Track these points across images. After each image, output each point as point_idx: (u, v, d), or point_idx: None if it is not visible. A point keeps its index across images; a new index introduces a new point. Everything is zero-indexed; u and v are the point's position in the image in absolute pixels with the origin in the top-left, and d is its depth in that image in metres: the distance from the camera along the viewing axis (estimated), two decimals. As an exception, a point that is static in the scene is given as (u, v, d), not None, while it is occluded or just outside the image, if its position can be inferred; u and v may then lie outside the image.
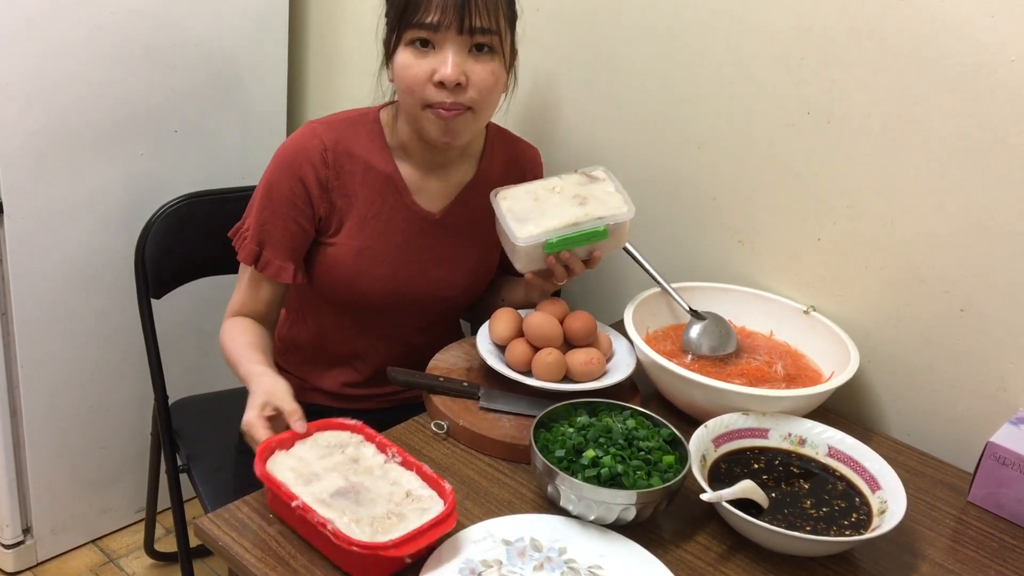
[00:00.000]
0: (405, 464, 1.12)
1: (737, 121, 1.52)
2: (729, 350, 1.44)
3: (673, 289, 1.49)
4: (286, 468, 1.09)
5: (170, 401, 1.74)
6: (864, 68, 1.36)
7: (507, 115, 1.63)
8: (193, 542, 1.78)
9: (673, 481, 1.10)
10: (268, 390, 1.21)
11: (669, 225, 1.64)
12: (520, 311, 1.44)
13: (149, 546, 2.03)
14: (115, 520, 2.12)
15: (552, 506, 1.14)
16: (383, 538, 0.99)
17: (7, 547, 1.95)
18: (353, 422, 1.16)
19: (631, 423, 1.19)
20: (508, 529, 1.09)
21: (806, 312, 1.48)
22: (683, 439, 1.18)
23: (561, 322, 1.38)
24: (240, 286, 1.46)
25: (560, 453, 1.14)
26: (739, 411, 1.27)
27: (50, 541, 2.01)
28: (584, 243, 1.33)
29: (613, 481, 1.10)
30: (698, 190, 1.60)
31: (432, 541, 1.01)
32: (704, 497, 1.09)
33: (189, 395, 1.82)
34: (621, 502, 1.08)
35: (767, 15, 1.44)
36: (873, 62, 1.35)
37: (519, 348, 1.36)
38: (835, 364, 1.40)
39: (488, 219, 1.40)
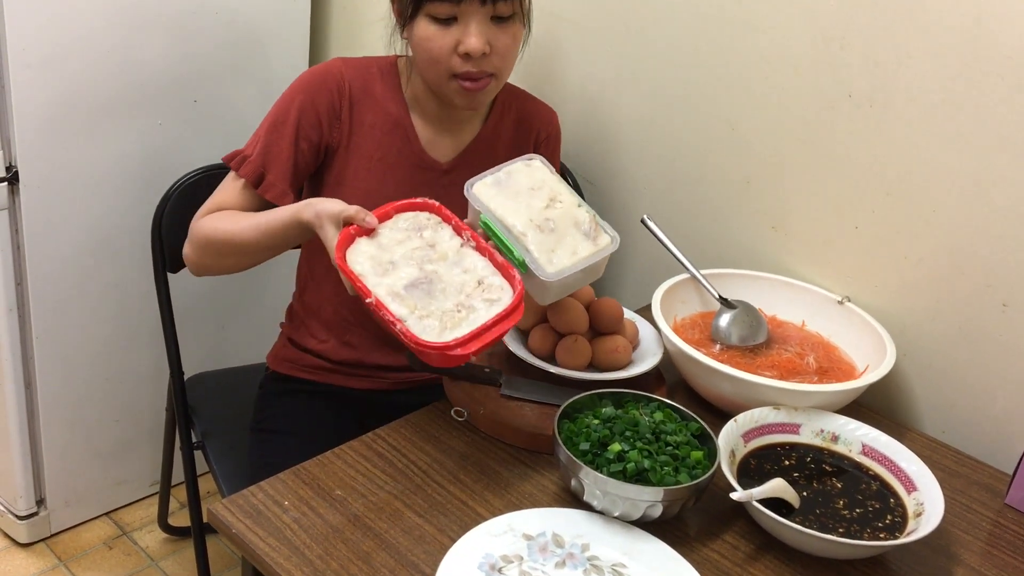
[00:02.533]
0: (479, 249, 1.14)
1: (773, 100, 1.46)
2: (759, 340, 1.40)
3: (702, 276, 1.44)
4: (365, 257, 1.11)
5: (186, 376, 1.72)
6: (909, 50, 1.30)
7: (517, 66, 1.46)
8: (207, 517, 1.77)
9: (702, 479, 1.06)
10: (331, 202, 1.17)
11: (698, 208, 1.59)
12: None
13: (163, 520, 2.02)
14: (129, 493, 2.11)
15: (575, 500, 1.10)
16: (451, 334, 1.05)
17: (20, 518, 1.94)
18: (430, 202, 1.18)
19: (658, 416, 1.15)
20: (530, 523, 1.06)
21: (840, 303, 1.43)
22: (712, 434, 1.14)
23: (587, 308, 1.34)
24: (222, 192, 1.38)
25: (585, 446, 1.10)
26: (770, 405, 1.23)
27: (64, 513, 2.00)
28: (503, 250, 1.16)
29: (639, 477, 1.07)
30: (730, 172, 1.54)
31: (496, 338, 1.06)
32: (734, 496, 1.05)
33: (205, 370, 1.79)
34: (647, 499, 1.04)
35: (809, -8, 1.38)
36: (919, 45, 1.29)
37: (542, 334, 1.32)
38: (869, 357, 1.36)
39: None
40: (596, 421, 1.14)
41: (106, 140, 1.75)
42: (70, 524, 2.03)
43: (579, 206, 1.22)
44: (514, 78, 1.50)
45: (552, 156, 1.53)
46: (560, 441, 1.10)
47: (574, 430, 1.13)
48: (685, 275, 1.46)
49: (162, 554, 2.02)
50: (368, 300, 1.07)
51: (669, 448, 1.11)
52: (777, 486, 1.10)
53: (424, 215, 1.17)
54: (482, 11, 1.26)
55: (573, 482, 1.08)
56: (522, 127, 1.49)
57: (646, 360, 1.34)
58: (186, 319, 1.75)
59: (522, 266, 1.14)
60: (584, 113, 1.70)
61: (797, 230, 1.50)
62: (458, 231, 1.16)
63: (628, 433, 1.11)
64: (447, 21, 1.27)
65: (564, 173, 1.71)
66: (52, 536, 2.00)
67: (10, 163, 1.65)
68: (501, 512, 1.08)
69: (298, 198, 1.38)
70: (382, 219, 1.16)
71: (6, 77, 1.59)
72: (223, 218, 1.33)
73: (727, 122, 1.52)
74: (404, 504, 1.09)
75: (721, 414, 1.29)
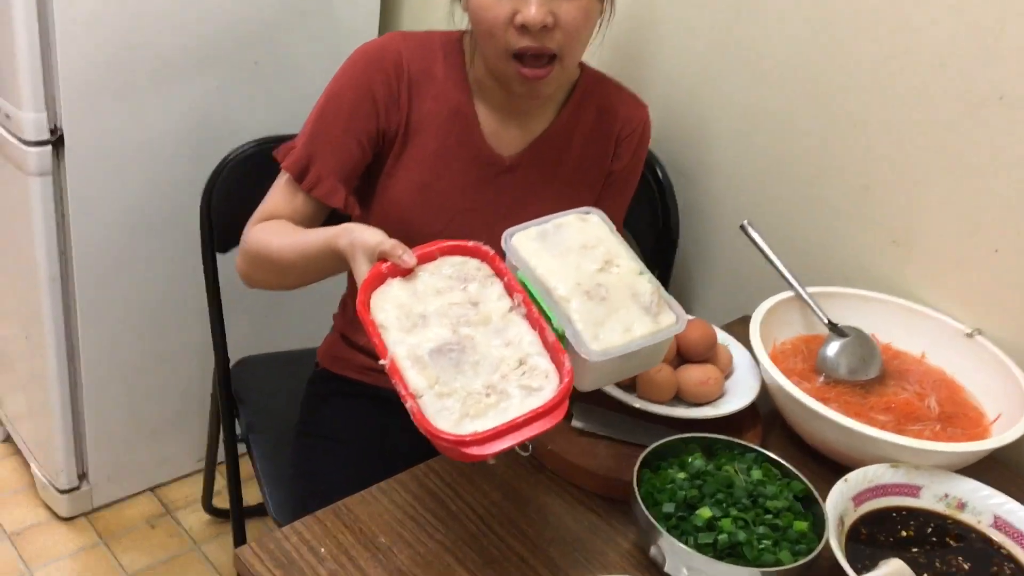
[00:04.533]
0: (529, 319, 0.92)
1: (906, 98, 1.26)
2: (871, 375, 1.22)
3: (809, 295, 1.26)
4: (394, 304, 0.93)
5: (233, 359, 1.61)
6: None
7: (599, 49, 1.30)
8: (247, 500, 1.67)
9: (806, 559, 0.90)
10: (369, 232, 1.00)
11: (807, 215, 1.40)
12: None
13: (207, 502, 1.93)
14: (174, 469, 2.02)
15: (655, 568, 0.95)
16: (471, 425, 0.84)
17: (62, 492, 1.87)
18: (483, 248, 0.97)
19: (756, 475, 0.99)
20: (599, 596, 0.91)
21: (970, 335, 1.24)
22: (818, 497, 0.97)
23: (676, 330, 1.17)
24: (272, 195, 1.23)
25: (669, 507, 0.94)
26: (886, 462, 1.06)
27: (106, 488, 1.92)
28: (543, 315, 0.93)
29: (732, 551, 0.91)
30: (847, 176, 1.35)
31: (524, 440, 0.84)
32: (845, 585, 0.88)
33: (253, 354, 1.68)
34: (741, 580, 0.88)
35: (961, -29, 1.17)
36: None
37: (624, 359, 1.15)
38: (1002, 403, 1.17)
39: (566, 172, 1.20)
40: (683, 476, 0.98)
41: (158, 103, 1.62)
42: (113, 499, 1.95)
43: (640, 274, 0.98)
44: (599, 62, 1.32)
45: (634, 158, 1.34)
46: (639, 498, 0.94)
47: (656, 485, 0.98)
48: (788, 293, 1.28)
49: (205, 537, 1.93)
50: (381, 362, 0.88)
51: (768, 516, 0.94)
52: (897, 571, 0.93)
53: (474, 263, 0.97)
54: None
55: (653, 549, 0.93)
56: (603, 121, 1.30)
57: (740, 394, 1.17)
58: (236, 299, 1.63)
59: (561, 339, 0.91)
60: (679, 97, 1.51)
61: (923, 247, 1.30)
62: (509, 291, 0.95)
63: (720, 496, 0.95)
64: None
65: (652, 163, 1.53)
66: (94, 511, 1.93)
67: (55, 125, 1.54)
68: (566, 575, 0.94)
69: (355, 198, 1.23)
70: (423, 260, 0.96)
71: (52, 32, 1.47)
72: (271, 230, 1.18)
73: (850, 117, 1.32)
74: (455, 559, 0.95)
75: (823, 459, 1.12)
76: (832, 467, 1.10)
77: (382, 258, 0.95)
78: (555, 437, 1.09)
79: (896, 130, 1.28)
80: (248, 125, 1.69)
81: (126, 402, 1.86)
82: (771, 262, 1.28)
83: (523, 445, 1.03)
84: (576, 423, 1.11)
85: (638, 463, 0.98)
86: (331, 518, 0.98)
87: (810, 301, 1.26)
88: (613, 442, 1.11)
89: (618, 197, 1.36)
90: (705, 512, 0.93)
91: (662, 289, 0.97)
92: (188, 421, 1.96)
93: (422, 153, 1.22)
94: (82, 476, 1.88)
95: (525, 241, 0.98)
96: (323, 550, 0.94)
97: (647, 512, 0.92)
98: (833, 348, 1.23)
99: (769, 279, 1.29)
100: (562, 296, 0.93)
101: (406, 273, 0.95)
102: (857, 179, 1.34)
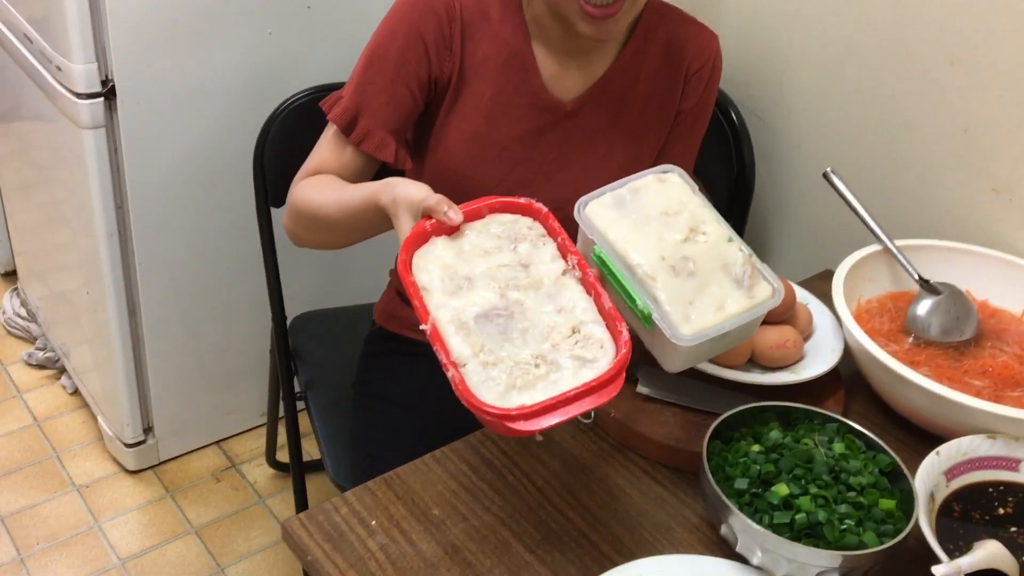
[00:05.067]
0: (584, 283, 0.86)
1: (1012, 32, 1.14)
2: (966, 335, 1.12)
3: (898, 249, 1.16)
4: (438, 264, 0.86)
5: (291, 316, 1.57)
6: None
7: None
8: (310, 454, 1.64)
9: (893, 542, 0.82)
10: (413, 187, 0.93)
11: (897, 161, 1.29)
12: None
13: (271, 456, 1.92)
14: (239, 423, 2.01)
15: (726, 545, 0.88)
16: (518, 397, 0.78)
17: (128, 446, 1.87)
18: (536, 205, 0.90)
19: (839, 448, 0.91)
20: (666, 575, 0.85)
21: (1078, 292, 1.13)
22: (907, 472, 0.89)
23: (750, 288, 1.08)
24: (320, 149, 1.17)
25: (742, 483, 0.87)
26: (982, 433, 0.97)
27: (172, 441, 1.92)
28: (622, 295, 0.87)
29: (811, 531, 0.84)
30: (944, 119, 1.23)
31: (576, 415, 0.78)
32: (937, 572, 0.80)
33: (312, 309, 1.64)
34: (821, 564, 0.81)
35: None
36: None
37: (694, 319, 1.08)
38: (1113, 368, 1.06)
39: (631, 115, 1.11)
40: (757, 449, 0.91)
41: (209, 51, 1.57)
42: (178, 452, 1.95)
43: (730, 240, 0.90)
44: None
45: (705, 95, 1.23)
46: (709, 472, 0.87)
47: (729, 457, 0.91)
48: (875, 247, 1.18)
49: (270, 491, 1.92)
50: (423, 327, 0.82)
51: (851, 494, 0.87)
52: (993, 555, 0.84)
53: (525, 222, 0.90)
54: None
55: (723, 527, 0.86)
56: (670, 56, 1.20)
57: (821, 357, 1.08)
58: (293, 254, 1.58)
59: (646, 320, 0.84)
60: (756, 31, 1.41)
61: (1026, 195, 1.19)
62: (563, 252, 0.88)
63: (799, 471, 0.88)
64: None
65: (726, 105, 1.43)
66: (160, 464, 1.93)
67: (106, 76, 1.50)
68: (630, 552, 0.89)
69: (407, 151, 1.16)
70: (471, 217, 0.89)
71: (100, -20, 1.42)
72: (315, 186, 1.11)
73: (946, 53, 1.21)
74: (512, 533, 0.90)
75: (912, 428, 1.04)
76: (923, 437, 1.02)
77: (426, 214, 0.89)
78: (619, 404, 1.02)
79: (997, 68, 1.17)
80: (302, 71, 1.63)
81: (189, 356, 1.84)
82: (856, 212, 1.18)
83: (585, 414, 0.98)
84: (641, 388, 1.05)
85: (708, 433, 0.91)
86: (383, 488, 0.94)
87: (899, 255, 1.16)
88: (682, 409, 1.04)
89: (688, 139, 1.26)
90: (782, 489, 0.86)
91: (754, 257, 0.89)
92: (251, 375, 1.94)
93: (477, 100, 1.15)
94: (148, 430, 1.89)
95: (600, 210, 0.91)
96: (374, 522, 0.89)
97: (717, 488, 0.86)
98: (924, 306, 1.14)
99: (854, 231, 1.20)
100: (646, 273, 0.86)
101: (451, 231, 0.88)
102: (953, 122, 1.23)
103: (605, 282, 0.87)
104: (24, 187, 2.00)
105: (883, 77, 1.28)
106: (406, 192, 0.91)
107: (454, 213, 0.88)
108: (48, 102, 1.60)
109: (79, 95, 1.49)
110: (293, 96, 1.45)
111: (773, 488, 0.86)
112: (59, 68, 1.51)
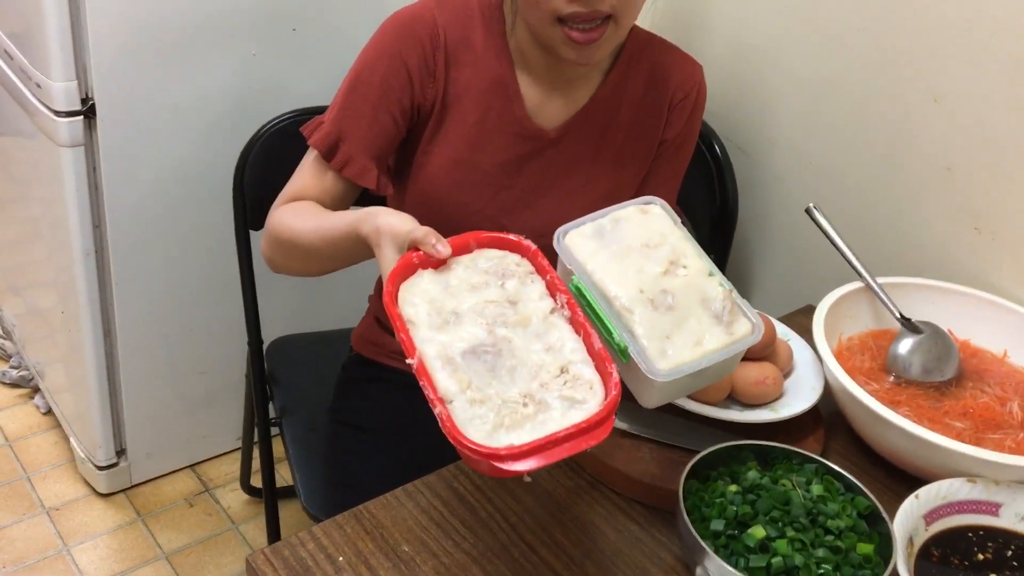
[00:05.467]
0: (573, 323, 0.84)
1: (995, 70, 1.14)
2: (948, 375, 1.11)
3: (880, 286, 1.15)
4: (424, 298, 0.85)
5: (270, 339, 1.55)
6: None
7: (651, 8, 1.22)
8: (282, 482, 1.61)
9: (871, 588, 0.81)
10: (397, 218, 0.91)
11: (880, 197, 1.29)
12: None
13: (245, 481, 1.89)
14: (214, 446, 1.98)
15: (699, 589, 0.86)
16: (506, 437, 0.76)
17: (100, 468, 1.84)
18: (525, 242, 0.89)
19: (817, 490, 0.89)
20: (638, 620, 0.83)
21: (1059, 334, 1.13)
22: (885, 516, 0.88)
23: (730, 324, 1.07)
24: (300, 174, 1.15)
25: (718, 524, 0.86)
26: (962, 475, 0.95)
27: (145, 464, 1.89)
28: (599, 328, 0.85)
29: (788, 575, 0.82)
30: (927, 155, 1.23)
31: (564, 457, 0.76)
32: (914, 620, 0.79)
33: (289, 333, 1.62)
34: (796, 610, 0.79)
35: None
36: None
37: (673, 354, 1.06)
38: (1094, 411, 1.05)
39: (614, 144, 1.10)
40: (734, 489, 0.89)
41: (192, 72, 1.56)
42: (151, 476, 1.92)
43: (710, 275, 0.89)
44: (650, 24, 1.22)
45: (689, 124, 1.22)
46: (685, 512, 0.85)
47: (705, 497, 0.89)
48: (857, 283, 1.17)
49: (243, 516, 1.89)
50: (409, 361, 0.81)
51: (829, 537, 0.85)
52: (972, 603, 0.83)
53: (513, 258, 0.88)
54: None
55: (699, 570, 0.84)
56: (654, 85, 1.19)
57: (801, 395, 1.07)
58: (272, 278, 1.56)
59: (623, 354, 0.83)
60: (740, 65, 1.40)
61: (1009, 234, 1.18)
62: (552, 291, 0.86)
63: (776, 513, 0.86)
64: None
65: (709, 137, 1.42)
66: (132, 487, 1.90)
67: (86, 94, 1.48)
68: (603, 594, 0.86)
69: (388, 177, 1.15)
70: (458, 250, 0.88)
71: (81, -2, 1.41)
72: (294, 212, 1.10)
73: (929, 90, 1.20)
74: (484, 572, 0.88)
75: (893, 468, 1.03)
76: (903, 478, 1.01)
77: (412, 247, 0.87)
78: (596, 439, 1.00)
79: (980, 105, 1.16)
80: (287, 95, 1.62)
81: (164, 378, 1.82)
82: (838, 249, 1.18)
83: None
84: (619, 424, 1.03)
85: (685, 472, 0.89)
86: (351, 522, 0.91)
87: (880, 292, 1.15)
88: (659, 445, 1.02)
89: (671, 169, 1.25)
90: (758, 531, 0.84)
91: (735, 292, 0.88)
92: (227, 398, 1.91)
93: (460, 128, 1.14)
94: (120, 452, 1.85)
95: (580, 240, 0.90)
96: (341, 559, 0.87)
97: (693, 530, 0.84)
98: (905, 345, 1.13)
99: (836, 267, 1.19)
100: (624, 306, 0.85)
101: (438, 265, 0.87)
102: (936, 159, 1.22)
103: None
104: (1, 202, 1.98)
105: (866, 113, 1.28)
106: (389, 223, 0.90)
107: (442, 246, 0.86)
108: (27, 118, 1.58)
109: (58, 113, 1.48)
110: (274, 119, 1.44)
111: (750, 530, 0.85)
112: (38, 85, 1.49)
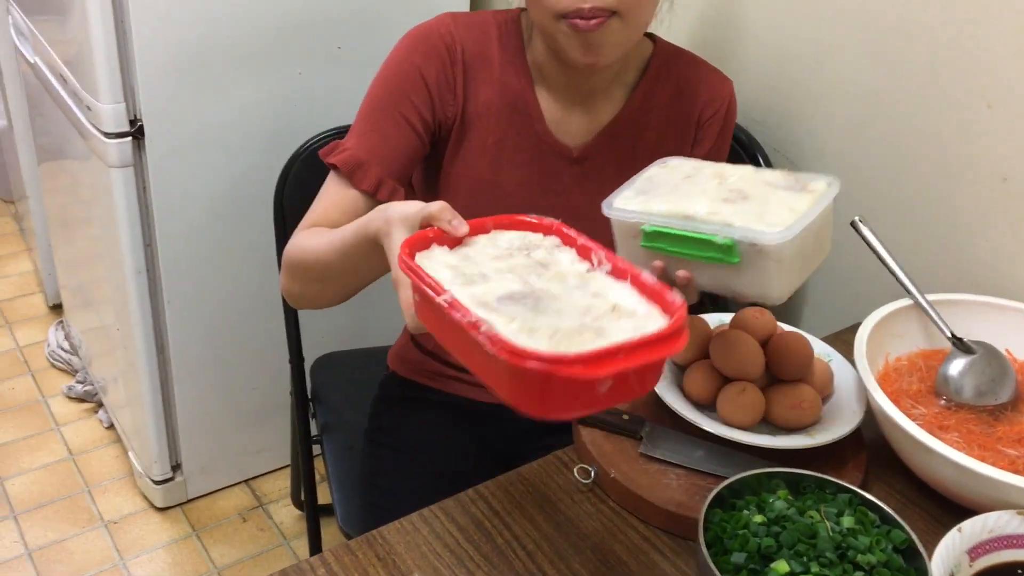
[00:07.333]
0: (616, 273, 0.75)
1: (1054, 73, 1.07)
2: (1002, 399, 1.04)
3: (930, 304, 1.09)
4: (442, 265, 0.76)
5: (315, 356, 1.56)
6: None
7: (666, 29, 1.16)
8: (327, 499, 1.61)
9: (901, 631, 0.75)
10: (404, 203, 0.86)
11: (931, 211, 1.22)
12: (710, 316, 1.10)
13: (296, 497, 1.91)
14: (267, 461, 2.01)
15: (720, 625, 0.82)
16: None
17: (156, 483, 1.88)
18: (546, 221, 0.82)
19: (847, 521, 0.84)
20: (653, 657, 0.79)
21: None
22: (923, 552, 0.82)
23: (765, 344, 1.03)
24: (322, 200, 1.12)
25: (739, 557, 0.81)
26: (1013, 507, 0.89)
27: (200, 479, 1.92)
28: (695, 254, 0.86)
29: (811, 614, 0.77)
30: (981, 166, 1.16)
31: (646, 363, 0.64)
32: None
33: (334, 350, 1.63)
34: (819, 652, 0.75)
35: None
36: None
37: (702, 375, 1.02)
38: None
39: (641, 163, 1.06)
40: (759, 520, 0.84)
41: (238, 91, 1.58)
42: (206, 490, 1.95)
43: (758, 170, 0.94)
44: (681, 38, 1.18)
45: (719, 142, 1.18)
46: (704, 544, 0.81)
47: (728, 526, 0.85)
48: (906, 301, 1.11)
49: (294, 532, 1.91)
50: (442, 297, 0.69)
51: (859, 573, 0.80)
52: (1016, 649, 0.77)
53: (536, 236, 0.82)
54: None
55: (718, 605, 0.80)
56: (681, 101, 1.15)
57: (841, 419, 1.01)
58: (316, 295, 1.58)
59: (730, 253, 0.83)
60: (782, 75, 1.35)
61: (1071, 249, 1.11)
62: (584, 254, 0.79)
63: (801, 547, 0.81)
64: None
65: (753, 149, 1.37)
66: (188, 501, 1.93)
67: (135, 116, 1.52)
68: (620, 628, 0.83)
69: (413, 196, 1.12)
70: (476, 231, 0.82)
71: (128, 20, 1.44)
72: (308, 235, 1.06)
73: (982, 99, 1.14)
74: (495, 601, 0.85)
75: (941, 497, 0.96)
76: (951, 508, 0.95)
77: (426, 224, 0.82)
78: (619, 463, 0.97)
79: (1040, 111, 1.09)
80: (331, 111, 1.63)
81: (217, 394, 1.84)
82: (885, 264, 1.11)
83: (584, 471, 0.92)
84: (645, 448, 0.99)
85: (708, 501, 0.85)
86: (364, 548, 0.90)
87: (930, 310, 1.09)
88: (687, 471, 0.98)
89: None
90: (781, 567, 0.79)
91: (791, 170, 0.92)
92: (279, 414, 1.93)
93: (480, 146, 1.12)
94: (176, 467, 1.89)
95: (626, 202, 0.91)
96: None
97: (711, 563, 0.80)
98: (957, 366, 1.06)
99: (883, 284, 1.13)
100: (710, 211, 0.86)
101: (453, 245, 0.80)
102: (993, 171, 1.15)
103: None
104: (67, 222, 2.04)
105: (915, 121, 1.21)
106: (398, 210, 0.84)
107: (459, 222, 0.80)
108: (82, 141, 1.63)
109: (108, 134, 1.51)
110: (314, 137, 1.44)
111: (773, 565, 0.80)
112: (89, 108, 1.53)
